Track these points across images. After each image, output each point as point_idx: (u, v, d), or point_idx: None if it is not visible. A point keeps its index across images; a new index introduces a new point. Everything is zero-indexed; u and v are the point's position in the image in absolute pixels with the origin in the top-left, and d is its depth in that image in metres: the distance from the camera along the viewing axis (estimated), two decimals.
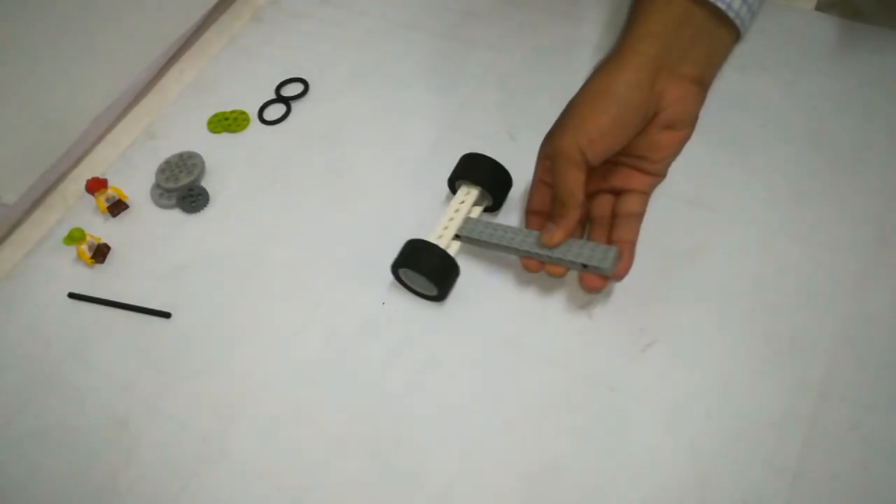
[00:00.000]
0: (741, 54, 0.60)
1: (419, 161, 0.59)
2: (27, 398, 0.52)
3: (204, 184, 0.60)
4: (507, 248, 0.49)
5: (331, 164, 0.60)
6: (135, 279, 0.56)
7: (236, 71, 0.68)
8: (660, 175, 0.47)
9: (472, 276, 0.52)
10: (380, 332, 0.51)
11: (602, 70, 0.44)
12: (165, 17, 0.67)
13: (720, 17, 0.42)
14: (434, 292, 0.50)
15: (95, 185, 0.59)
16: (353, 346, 0.50)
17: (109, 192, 0.59)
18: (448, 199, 0.56)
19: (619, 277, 0.47)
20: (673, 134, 0.45)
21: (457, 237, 0.51)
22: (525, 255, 0.49)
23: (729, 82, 0.58)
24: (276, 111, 0.64)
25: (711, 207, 0.52)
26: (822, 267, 0.49)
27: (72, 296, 0.56)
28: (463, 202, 0.52)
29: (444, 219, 0.52)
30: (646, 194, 0.48)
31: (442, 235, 0.51)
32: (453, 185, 0.54)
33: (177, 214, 0.59)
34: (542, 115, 0.58)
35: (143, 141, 0.64)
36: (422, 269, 0.48)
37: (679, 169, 0.54)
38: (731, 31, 0.44)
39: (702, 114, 0.57)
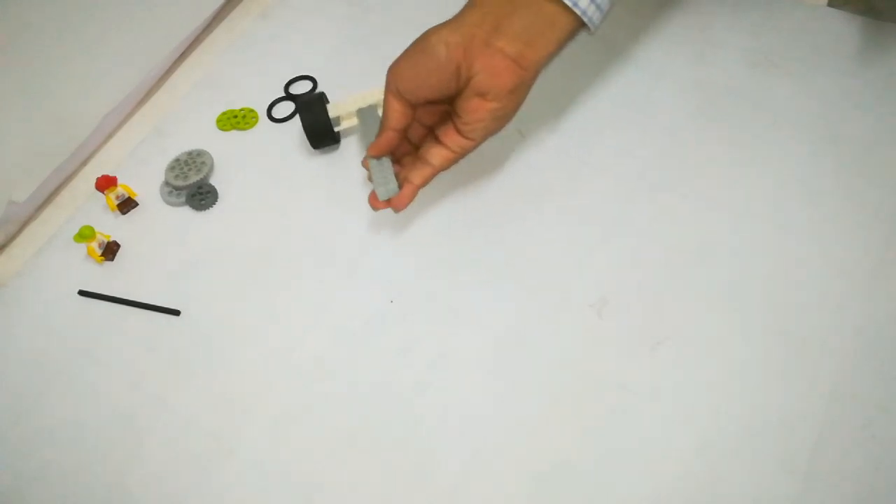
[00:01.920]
0: (752, 50, 0.59)
1: None
2: (37, 395, 0.52)
3: (213, 181, 0.60)
4: (363, 140, 0.54)
5: (339, 161, 0.60)
6: (144, 277, 0.56)
7: (245, 69, 0.68)
8: (472, 140, 0.49)
9: (478, 275, 0.52)
10: (388, 331, 0.51)
11: (436, 25, 0.47)
12: (174, 15, 0.67)
13: (560, 3, 0.44)
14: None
15: (105, 183, 0.59)
16: (361, 344, 0.50)
17: (119, 189, 0.59)
18: None
19: (396, 210, 0.50)
20: (482, 102, 0.46)
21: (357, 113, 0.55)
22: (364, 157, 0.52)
23: (740, 78, 0.58)
24: (284, 109, 0.64)
25: (722, 205, 0.52)
26: (834, 265, 0.48)
27: (82, 293, 0.56)
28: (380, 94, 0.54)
29: (359, 93, 0.56)
30: (452, 153, 0.49)
31: (348, 104, 0.56)
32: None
33: (186, 212, 0.59)
34: (550, 110, 0.58)
35: (153, 139, 0.65)
36: (305, 122, 0.56)
37: (690, 167, 0.54)
38: (571, 19, 0.45)
39: (711, 111, 0.56)
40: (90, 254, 0.57)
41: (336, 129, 0.58)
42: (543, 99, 0.60)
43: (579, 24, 0.45)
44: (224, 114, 0.65)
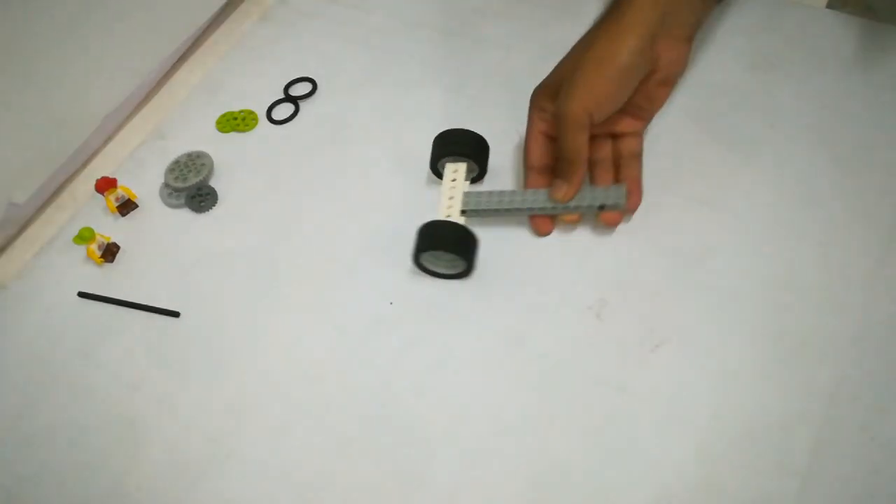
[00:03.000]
0: (751, 52, 0.59)
1: (428, 160, 0.58)
2: (36, 397, 0.52)
3: (212, 183, 0.61)
4: (519, 211, 0.50)
5: (339, 163, 0.60)
6: (144, 278, 0.56)
7: (245, 70, 0.68)
8: (647, 120, 0.52)
9: (480, 277, 0.52)
10: (388, 333, 0.51)
11: (605, 35, 0.47)
12: (174, 17, 0.67)
13: None
14: (461, 267, 0.50)
15: (105, 185, 0.59)
16: (361, 346, 0.50)
17: (119, 191, 0.59)
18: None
19: (632, 210, 0.51)
20: (665, 89, 0.50)
21: (463, 213, 0.51)
22: (537, 213, 0.51)
23: (738, 81, 0.58)
24: (284, 111, 0.64)
25: (721, 207, 0.52)
26: (833, 267, 0.48)
27: (81, 295, 0.56)
28: (454, 179, 0.52)
29: (444, 199, 0.51)
30: (640, 136, 0.52)
31: (449, 215, 0.50)
32: (436, 168, 0.55)
33: (186, 214, 0.59)
34: None
35: (153, 141, 0.65)
36: (447, 247, 0.48)
37: (689, 169, 0.54)
38: None
39: (710, 113, 0.57)
40: (90, 255, 0.57)
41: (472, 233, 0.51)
42: None
43: None
44: (224, 115, 0.65)
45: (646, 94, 0.49)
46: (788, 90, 0.57)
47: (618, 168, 0.52)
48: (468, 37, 0.66)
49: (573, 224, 0.52)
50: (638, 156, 0.52)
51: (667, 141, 0.56)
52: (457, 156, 0.53)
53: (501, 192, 0.51)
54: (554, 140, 0.50)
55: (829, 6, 0.62)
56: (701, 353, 0.47)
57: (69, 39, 0.60)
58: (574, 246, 0.52)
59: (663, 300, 0.49)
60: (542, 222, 0.52)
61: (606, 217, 0.50)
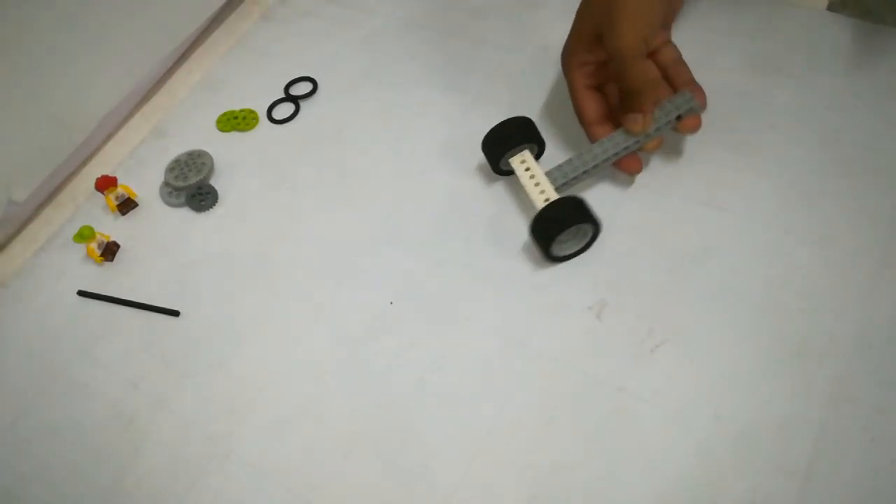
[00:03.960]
0: (752, 53, 0.60)
1: (428, 160, 0.58)
2: (35, 395, 0.52)
3: (213, 182, 0.61)
4: (605, 162, 0.51)
5: (339, 162, 0.60)
6: (144, 277, 0.56)
7: (245, 70, 0.68)
8: (671, 26, 0.54)
9: (480, 277, 0.52)
10: (387, 332, 0.51)
11: None
12: (174, 16, 0.67)
13: None
14: (590, 234, 0.50)
15: (105, 184, 0.59)
16: (360, 345, 0.50)
17: (119, 190, 0.59)
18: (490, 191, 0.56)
19: (704, 107, 0.51)
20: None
21: (558, 190, 0.51)
22: (623, 156, 0.51)
23: (739, 82, 0.58)
24: (284, 110, 0.64)
25: (722, 208, 0.52)
26: (833, 268, 0.48)
27: (81, 293, 0.56)
28: (528, 167, 0.52)
29: (531, 189, 0.51)
30: (671, 42, 0.52)
31: (548, 198, 0.50)
32: (498, 167, 0.54)
33: (186, 213, 0.59)
34: (551, 112, 0.58)
35: (152, 139, 0.65)
36: (577, 220, 0.48)
37: (690, 169, 0.54)
38: None
39: (711, 113, 0.57)
40: (90, 254, 0.57)
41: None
42: (543, 101, 0.60)
43: None
44: (224, 115, 0.65)
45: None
46: (789, 91, 0.57)
47: (669, 79, 0.52)
48: (468, 37, 0.66)
49: (654, 149, 0.52)
50: (681, 60, 0.52)
51: (667, 141, 0.56)
52: (512, 148, 0.53)
53: (579, 155, 0.51)
54: (601, 91, 0.52)
55: (829, 8, 0.62)
56: (701, 353, 0.47)
57: (70, 38, 0.60)
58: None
59: (663, 301, 0.49)
60: (630, 162, 0.52)
61: (686, 124, 0.50)
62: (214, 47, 0.71)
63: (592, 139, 0.52)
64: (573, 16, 0.52)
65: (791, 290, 0.48)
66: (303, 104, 0.65)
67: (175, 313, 0.54)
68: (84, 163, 0.64)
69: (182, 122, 0.65)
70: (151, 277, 0.56)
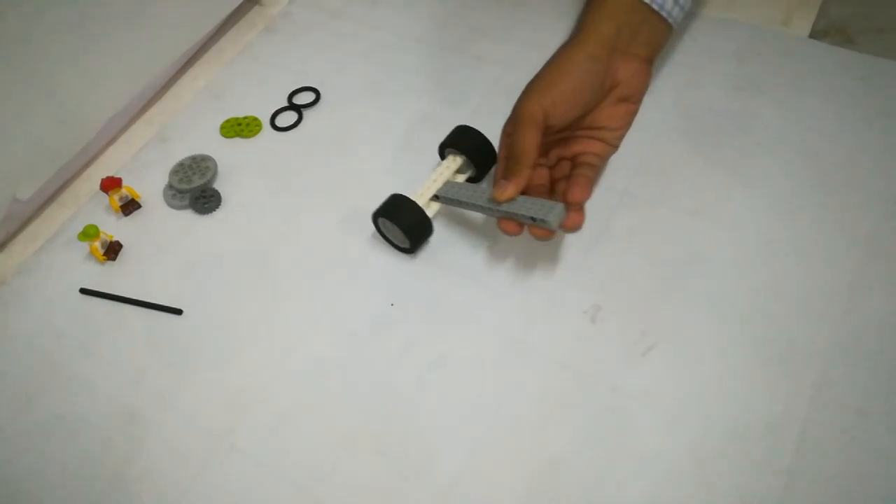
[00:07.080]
0: (737, 75, 0.62)
1: (427, 170, 0.60)
2: (38, 390, 0.52)
3: (215, 187, 0.62)
4: (470, 206, 0.52)
5: (340, 170, 0.62)
6: (146, 277, 0.57)
7: (249, 78, 0.70)
8: (614, 146, 0.51)
9: (480, 280, 0.54)
10: (388, 332, 0.52)
11: (565, 48, 0.49)
12: (181, 24, 0.68)
13: (660, 15, 0.49)
14: (407, 245, 0.54)
15: (110, 184, 0.60)
16: (361, 346, 0.52)
17: (123, 191, 0.60)
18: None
19: (569, 230, 0.48)
20: (627, 106, 0.50)
21: (435, 198, 0.54)
22: (480, 211, 0.52)
23: (727, 102, 0.61)
24: (288, 118, 0.66)
25: (711, 219, 0.54)
26: (816, 277, 0.51)
27: (83, 291, 0.56)
28: (448, 167, 0.55)
29: (429, 180, 0.55)
30: (601, 159, 0.51)
31: (423, 194, 0.54)
32: (443, 152, 0.57)
33: (189, 215, 0.60)
34: None
35: (156, 143, 0.66)
36: (400, 223, 0.52)
37: (679, 182, 0.57)
38: (667, 25, 0.50)
39: (699, 130, 0.59)
40: (93, 253, 0.57)
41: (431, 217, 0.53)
42: None
43: (671, 30, 0.50)
44: (228, 121, 0.66)
45: (608, 112, 0.49)
46: (773, 112, 0.60)
47: (567, 188, 0.49)
48: (467, 53, 0.68)
49: (511, 233, 0.49)
50: (588, 178, 0.49)
51: (658, 156, 0.58)
52: (461, 151, 0.56)
53: (470, 187, 0.53)
54: (546, 156, 0.52)
55: (811, 36, 0.65)
56: (691, 356, 0.48)
57: (77, 41, 0.61)
58: (570, 253, 0.54)
59: (655, 306, 0.51)
60: (510, 224, 0.50)
61: (534, 231, 0.48)
62: (219, 56, 0.72)
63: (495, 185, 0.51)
64: (568, 35, 0.54)
65: (776, 298, 0.50)
66: (306, 113, 0.66)
67: (178, 312, 0.55)
68: (88, 164, 0.65)
69: (186, 128, 0.67)
70: (153, 277, 0.57)
